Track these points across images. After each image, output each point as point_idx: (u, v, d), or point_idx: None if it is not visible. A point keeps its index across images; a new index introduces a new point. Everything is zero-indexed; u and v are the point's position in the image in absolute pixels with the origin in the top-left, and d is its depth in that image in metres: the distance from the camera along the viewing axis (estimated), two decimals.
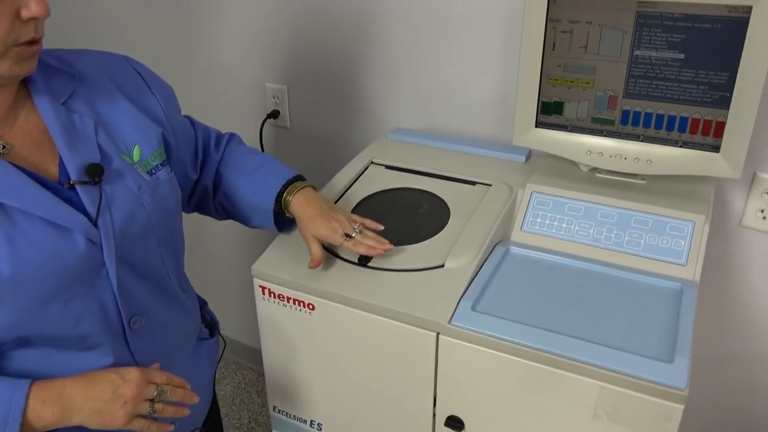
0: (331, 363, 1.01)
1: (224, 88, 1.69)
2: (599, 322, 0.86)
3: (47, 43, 0.76)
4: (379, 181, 1.16)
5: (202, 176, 1.02)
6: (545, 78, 1.06)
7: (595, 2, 0.97)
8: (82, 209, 0.75)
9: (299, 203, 0.98)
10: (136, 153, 0.83)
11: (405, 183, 1.14)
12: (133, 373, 0.77)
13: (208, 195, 1.04)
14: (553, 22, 1.01)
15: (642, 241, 0.98)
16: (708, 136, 0.98)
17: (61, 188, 0.75)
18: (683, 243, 0.96)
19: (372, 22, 1.38)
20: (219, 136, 1.07)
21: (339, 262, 0.98)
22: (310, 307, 0.97)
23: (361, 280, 0.94)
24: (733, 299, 1.25)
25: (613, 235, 1.00)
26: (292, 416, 1.12)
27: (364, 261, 0.97)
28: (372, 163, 1.21)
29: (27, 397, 0.72)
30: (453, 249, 0.96)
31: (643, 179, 1.08)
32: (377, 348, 0.94)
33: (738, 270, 1.22)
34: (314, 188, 1.02)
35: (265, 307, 1.02)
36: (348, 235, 0.95)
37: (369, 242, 0.95)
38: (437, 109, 1.38)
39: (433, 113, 1.40)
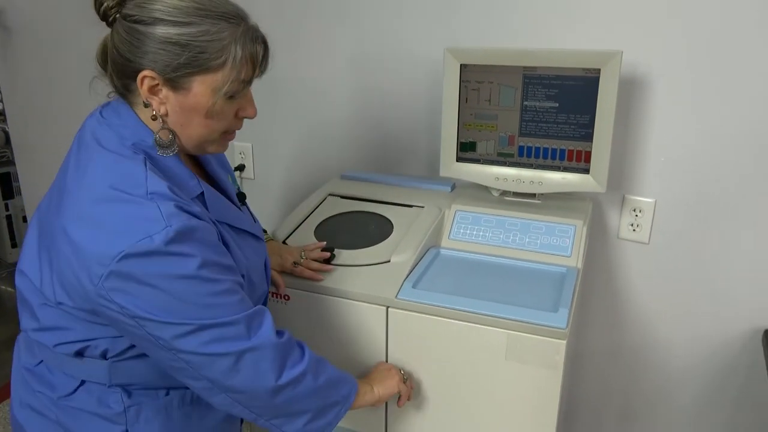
0: None
1: None
2: (506, 292, 1.16)
3: None
4: (337, 207, 1.45)
5: None
6: (461, 124, 1.40)
7: (493, 68, 1.33)
8: None
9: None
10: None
11: (358, 208, 1.44)
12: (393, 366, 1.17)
13: None
14: (465, 83, 1.37)
15: (539, 241, 1.30)
16: (580, 162, 1.33)
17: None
18: (568, 241, 1.29)
19: (324, 88, 1.71)
20: None
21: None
22: (286, 298, 1.23)
23: (326, 274, 1.21)
24: (617, 299, 1.57)
25: (517, 238, 1.31)
26: None
27: (328, 260, 1.24)
28: (330, 194, 1.51)
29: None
30: (396, 249, 1.25)
31: (539, 200, 1.41)
32: (340, 326, 1.20)
33: (619, 274, 1.56)
34: (272, 239, 1.32)
35: None
36: (296, 263, 1.22)
37: (314, 266, 1.22)
38: (381, 157, 1.71)
39: (378, 161, 1.72)
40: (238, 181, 1.94)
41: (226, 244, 0.94)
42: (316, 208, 1.45)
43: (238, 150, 1.91)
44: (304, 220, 1.40)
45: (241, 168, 1.92)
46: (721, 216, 1.41)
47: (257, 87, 0.95)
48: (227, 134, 0.96)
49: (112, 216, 0.83)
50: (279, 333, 0.94)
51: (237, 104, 0.92)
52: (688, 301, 1.50)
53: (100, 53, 0.94)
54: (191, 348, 0.86)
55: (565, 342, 1.05)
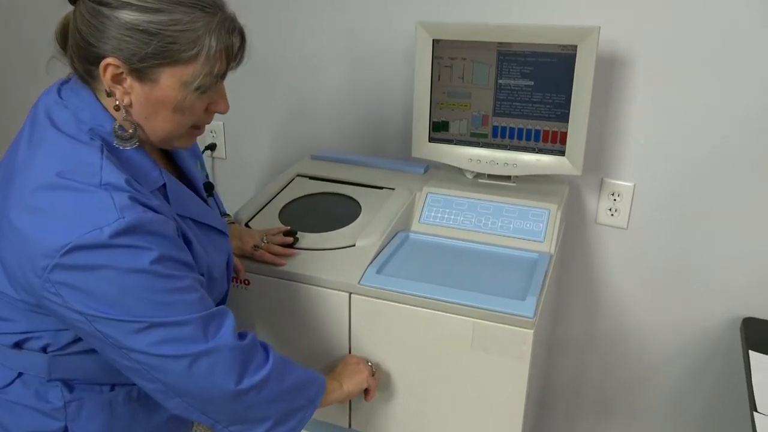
0: (264, 330, 1.21)
1: None
2: (475, 279, 1.11)
3: None
4: (305, 188, 1.39)
5: None
6: (434, 102, 1.34)
7: (467, 44, 1.27)
8: None
9: None
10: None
11: (326, 189, 1.39)
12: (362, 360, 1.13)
13: None
14: (437, 59, 1.30)
15: (511, 225, 1.25)
16: (556, 143, 1.28)
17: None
18: (541, 225, 1.24)
19: (299, 66, 1.65)
20: None
21: None
22: (246, 283, 1.18)
23: (288, 258, 1.16)
24: (594, 286, 1.53)
25: (489, 222, 1.26)
26: None
27: (291, 244, 1.19)
28: (298, 175, 1.45)
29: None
30: (362, 233, 1.20)
31: (514, 182, 1.36)
32: (302, 312, 1.15)
33: (597, 260, 1.51)
34: (233, 222, 1.26)
35: None
36: (257, 246, 1.17)
37: (275, 249, 1.17)
38: (357, 137, 1.65)
39: (353, 141, 1.66)
40: (210, 161, 1.88)
41: (187, 239, 0.89)
42: (283, 189, 1.39)
43: (209, 128, 1.84)
44: (269, 201, 1.35)
45: (212, 147, 1.86)
46: (702, 201, 1.36)
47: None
48: (195, 128, 0.90)
49: (60, 204, 0.77)
50: (241, 335, 0.88)
51: (208, 98, 0.86)
52: (667, 289, 1.46)
53: (60, 32, 0.86)
54: (141, 347, 0.80)
55: (532, 332, 1.01)
